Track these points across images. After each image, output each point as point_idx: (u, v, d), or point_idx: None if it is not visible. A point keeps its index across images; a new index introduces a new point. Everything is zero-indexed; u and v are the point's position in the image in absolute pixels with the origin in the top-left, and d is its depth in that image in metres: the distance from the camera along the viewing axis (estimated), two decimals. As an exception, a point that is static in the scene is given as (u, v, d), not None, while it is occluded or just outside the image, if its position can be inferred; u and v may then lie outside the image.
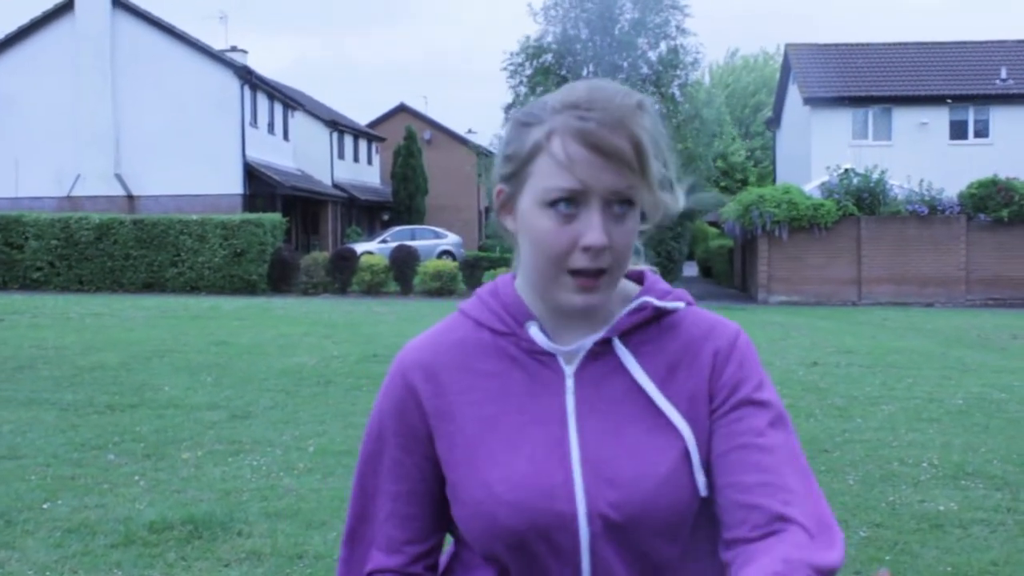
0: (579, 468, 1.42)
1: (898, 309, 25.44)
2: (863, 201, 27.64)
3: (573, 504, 1.41)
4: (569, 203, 1.38)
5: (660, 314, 1.52)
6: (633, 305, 1.49)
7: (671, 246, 28.88)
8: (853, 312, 24.52)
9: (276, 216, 29.47)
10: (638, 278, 1.59)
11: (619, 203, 1.39)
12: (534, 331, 1.49)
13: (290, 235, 34.56)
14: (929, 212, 27.29)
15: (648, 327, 1.51)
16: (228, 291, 27.85)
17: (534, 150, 1.42)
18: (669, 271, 28.95)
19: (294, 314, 20.92)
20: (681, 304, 1.52)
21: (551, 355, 1.49)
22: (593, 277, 1.40)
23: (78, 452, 7.85)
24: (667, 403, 1.46)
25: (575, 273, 1.40)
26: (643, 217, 1.47)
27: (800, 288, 27.49)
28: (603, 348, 1.49)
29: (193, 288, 28.17)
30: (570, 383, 1.47)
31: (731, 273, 35.60)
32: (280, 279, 28.41)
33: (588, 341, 1.48)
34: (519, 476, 1.43)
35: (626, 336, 1.49)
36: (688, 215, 29.90)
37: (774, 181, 42.15)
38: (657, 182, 1.42)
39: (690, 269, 40.94)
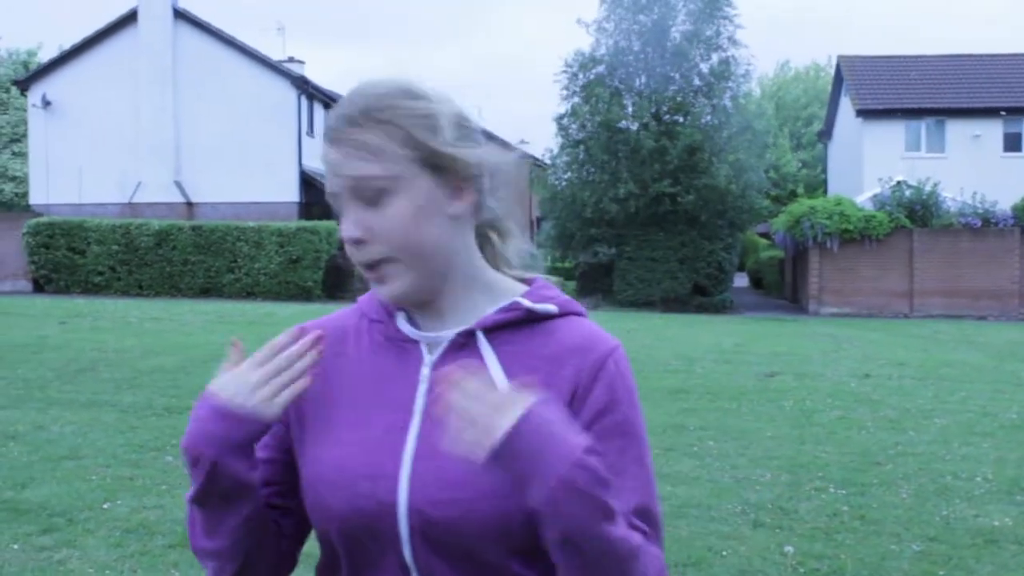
0: (410, 459, 1.39)
1: (950, 322, 25.16)
2: (915, 213, 27.43)
3: (395, 495, 1.37)
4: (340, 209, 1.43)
5: (533, 317, 1.46)
6: (504, 303, 1.46)
7: (721, 256, 28.77)
8: (905, 325, 24.28)
9: (331, 224, 29.70)
10: (528, 284, 1.54)
11: (367, 193, 1.38)
12: (400, 319, 1.49)
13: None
14: (982, 225, 27.01)
15: (519, 328, 1.45)
16: (284, 297, 28.16)
17: None
18: (720, 281, 28.84)
19: (347, 321, 21.06)
20: (552, 307, 1.46)
21: (415, 343, 1.47)
22: (372, 269, 1.41)
23: (137, 453, 8.03)
24: None
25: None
26: (456, 193, 1.42)
27: (851, 300, 27.29)
28: (467, 340, 1.44)
29: (249, 294, 28.52)
30: (425, 371, 1.44)
31: (782, 284, 35.40)
32: (335, 286, 28.67)
33: (451, 332, 1.45)
34: (349, 458, 1.41)
35: (492, 333, 1.44)
36: (738, 225, 29.77)
37: (825, 193, 41.84)
38: (415, 156, 1.38)
39: (740, 280, 40.74)
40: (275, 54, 37.08)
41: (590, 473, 1.24)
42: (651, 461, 1.44)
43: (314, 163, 34.74)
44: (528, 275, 1.55)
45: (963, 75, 37.36)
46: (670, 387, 12.16)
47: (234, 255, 28.65)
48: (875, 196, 28.58)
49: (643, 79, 29.41)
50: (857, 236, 26.92)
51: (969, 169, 33.11)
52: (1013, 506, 6.97)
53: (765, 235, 36.72)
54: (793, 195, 49.58)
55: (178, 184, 33.05)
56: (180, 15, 33.20)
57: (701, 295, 28.44)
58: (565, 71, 30.10)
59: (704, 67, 29.51)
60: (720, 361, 15.12)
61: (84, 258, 28.81)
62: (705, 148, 28.11)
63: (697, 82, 29.34)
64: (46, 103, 33.08)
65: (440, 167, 1.39)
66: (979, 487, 7.49)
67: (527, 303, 1.45)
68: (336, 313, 1.60)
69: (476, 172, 1.44)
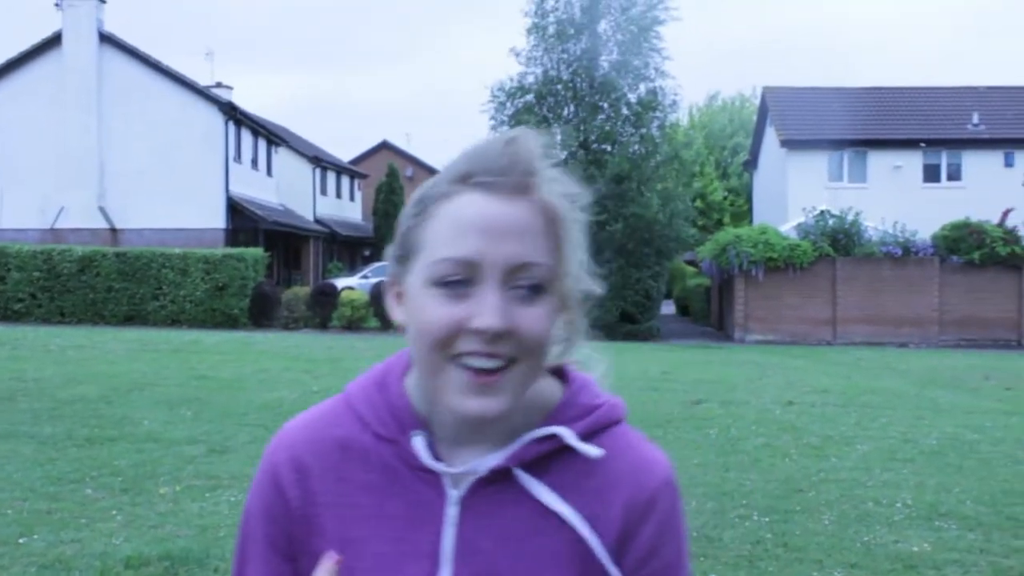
0: None
1: (872, 349, 25.63)
2: (838, 242, 27.94)
3: None
4: (460, 281, 1.13)
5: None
6: (540, 433, 1.22)
7: (649, 284, 28.98)
8: (828, 352, 24.68)
9: (258, 251, 29.50)
10: (561, 375, 1.32)
11: (525, 284, 1.14)
12: (418, 443, 1.22)
13: (272, 270, 34.56)
14: (903, 253, 27.61)
15: (558, 453, 1.23)
16: (209, 325, 27.80)
17: (427, 221, 1.18)
18: (647, 309, 29.05)
19: (275, 349, 20.91)
20: (598, 452, 1.22)
21: (435, 474, 1.22)
22: (490, 372, 1.13)
23: (55, 486, 7.83)
24: (591, 534, 1.21)
25: (466, 366, 1.13)
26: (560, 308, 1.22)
27: (776, 327, 27.68)
28: (500, 475, 1.21)
29: (175, 321, 28.12)
30: (452, 512, 1.21)
31: (708, 312, 35.76)
32: (261, 313, 28.39)
33: (481, 465, 1.20)
34: None
35: (530, 466, 1.22)
36: (665, 253, 30.07)
37: (751, 221, 42.47)
38: (575, 260, 1.21)
39: (667, 307, 41.09)
40: (203, 79, 36.84)
41: None
42: None
43: (241, 189, 34.45)
44: (564, 362, 1.31)
45: (884, 107, 38.30)
46: (598, 415, 12.16)
47: (159, 282, 28.25)
48: (799, 225, 29.07)
49: (571, 108, 29.67)
50: (782, 264, 27.34)
51: (890, 199, 33.86)
52: (931, 531, 7.09)
53: (692, 263, 37.11)
54: (720, 224, 50.26)
55: (102, 210, 32.55)
56: (106, 39, 32.83)
57: (629, 323, 28.60)
58: (492, 100, 30.24)
59: (632, 97, 29.85)
60: (647, 389, 15.21)
61: (3, 284, 28.22)
62: (633, 177, 28.38)
63: (625, 111, 29.66)
64: (-35, 126, 32.45)
65: (566, 263, 1.20)
66: (899, 512, 7.62)
67: (571, 440, 1.21)
68: (326, 412, 1.32)
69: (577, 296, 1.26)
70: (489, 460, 1.20)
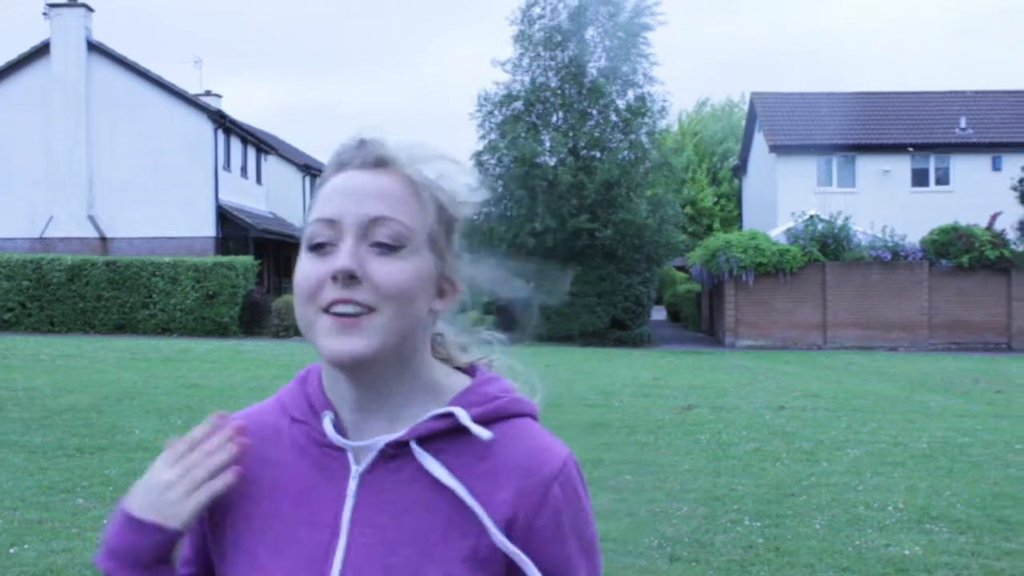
0: None
1: (863, 353, 25.70)
2: (828, 247, 28.02)
3: None
4: (326, 243, 1.24)
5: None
6: (439, 411, 1.28)
7: (639, 290, 29.02)
8: (819, 356, 24.74)
9: (248, 259, 29.45)
10: (471, 373, 1.39)
11: (384, 240, 1.23)
12: (326, 422, 1.31)
13: (262, 278, 34.52)
14: (892, 258, 27.69)
15: (455, 436, 1.29)
16: (200, 333, 27.76)
17: (312, 204, 1.32)
18: (638, 315, 29.09)
19: (265, 356, 20.88)
20: (487, 434, 1.27)
21: (341, 450, 1.30)
22: (351, 316, 1.21)
23: (46, 495, 7.82)
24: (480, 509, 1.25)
25: (330, 312, 1.22)
26: (441, 293, 1.31)
27: (767, 332, 27.73)
28: (397, 451, 1.28)
29: (165, 330, 28.06)
30: (352, 485, 1.28)
31: (699, 317, 35.84)
32: (252, 321, 28.35)
33: (381, 440, 1.27)
34: None
35: (426, 442, 1.28)
36: (655, 259, 30.11)
37: (740, 227, 42.57)
38: (435, 231, 1.28)
39: (658, 313, 41.16)
40: (192, 87, 36.86)
41: None
42: None
43: (231, 197, 34.42)
44: (477, 358, 1.41)
45: (872, 112, 38.44)
46: (588, 421, 12.22)
47: (149, 290, 28.20)
48: (789, 230, 29.16)
49: (560, 115, 29.72)
50: (771, 269, 27.40)
51: (879, 203, 34.01)
52: (923, 535, 7.12)
53: (682, 268, 37.17)
54: (710, 229, 50.38)
55: (91, 218, 32.48)
56: (94, 47, 32.77)
57: (619, 329, 28.65)
58: (480, 108, 30.26)
59: (621, 103, 29.90)
60: (638, 395, 15.25)
61: (-7, 294, 28.09)
62: (622, 183, 28.43)
63: (614, 118, 29.70)
64: (-46, 135, 32.35)
65: (444, 259, 1.30)
66: (890, 516, 7.64)
67: (465, 421, 1.27)
68: (258, 406, 1.43)
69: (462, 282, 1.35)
70: (387, 436, 1.28)
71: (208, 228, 32.83)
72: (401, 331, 1.24)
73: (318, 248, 1.24)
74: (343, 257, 1.21)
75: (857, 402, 14.73)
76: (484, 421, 1.29)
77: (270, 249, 39.36)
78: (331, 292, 1.21)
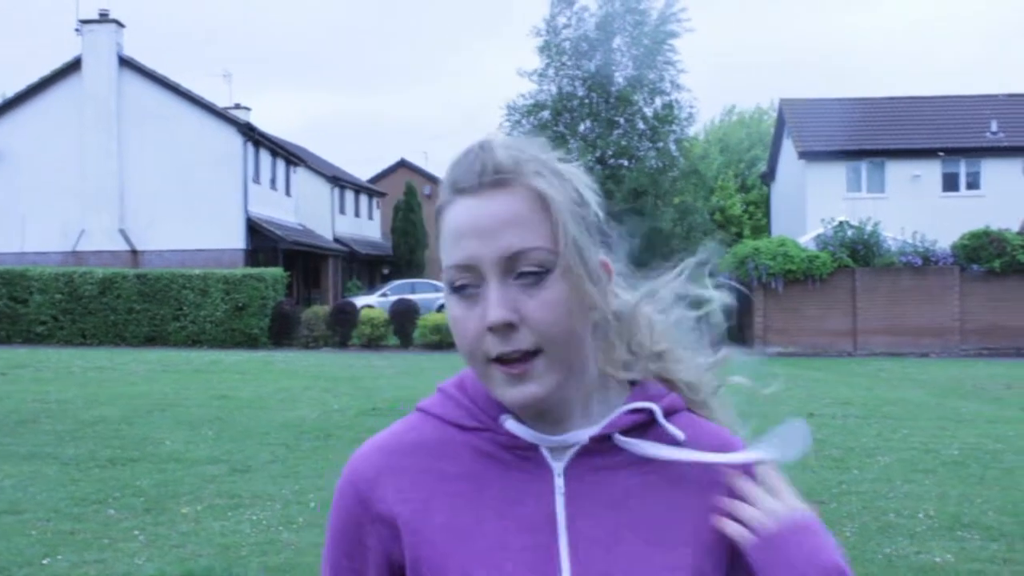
0: None
1: (893, 360, 25.49)
2: (857, 253, 27.83)
3: None
4: (468, 285, 1.20)
5: (653, 419, 1.30)
6: (633, 405, 1.29)
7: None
8: (849, 363, 24.56)
9: (277, 270, 29.61)
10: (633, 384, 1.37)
11: (529, 271, 1.18)
12: (512, 423, 1.27)
13: (291, 289, 34.69)
14: (923, 263, 27.46)
15: (646, 431, 1.29)
16: (229, 345, 27.92)
17: (439, 232, 1.27)
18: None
19: (295, 368, 20.98)
20: (681, 435, 1.29)
21: (534, 449, 1.27)
22: (517, 362, 1.18)
23: (78, 507, 7.90)
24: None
25: (498, 361, 1.19)
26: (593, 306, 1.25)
27: (796, 339, 27.55)
28: (598, 446, 1.27)
29: (195, 342, 28.24)
30: (560, 482, 1.25)
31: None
32: (281, 333, 28.48)
33: (583, 434, 1.26)
34: None
35: (627, 435, 1.28)
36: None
37: (769, 234, 42.38)
38: (577, 239, 1.21)
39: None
40: (221, 101, 37.15)
41: None
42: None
43: (260, 209, 34.66)
44: (629, 375, 1.35)
45: (902, 117, 38.22)
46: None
47: (179, 303, 28.40)
48: (818, 236, 28.98)
49: (588, 124, 29.76)
50: (801, 276, 27.24)
51: (909, 209, 33.76)
52: (954, 542, 7.06)
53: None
54: (738, 236, 50.19)
55: (122, 232, 32.79)
56: (125, 62, 33.13)
57: (649, 337, 28.55)
58: (508, 118, 30.36)
59: (648, 111, 29.92)
60: (667, 402, 15.19)
61: (26, 307, 28.38)
62: (650, 191, 28.41)
63: (641, 126, 29.72)
64: (-11, 151, 32.80)
65: (588, 265, 1.23)
66: (921, 524, 7.58)
67: (657, 411, 1.28)
68: (397, 427, 1.36)
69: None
70: (587, 431, 1.26)
71: (238, 240, 33.06)
72: (569, 361, 1.22)
73: (462, 290, 1.20)
74: (494, 309, 1.16)
75: (888, 409, 14.61)
76: (666, 414, 1.30)
77: (299, 260, 39.57)
78: (493, 346, 1.18)
